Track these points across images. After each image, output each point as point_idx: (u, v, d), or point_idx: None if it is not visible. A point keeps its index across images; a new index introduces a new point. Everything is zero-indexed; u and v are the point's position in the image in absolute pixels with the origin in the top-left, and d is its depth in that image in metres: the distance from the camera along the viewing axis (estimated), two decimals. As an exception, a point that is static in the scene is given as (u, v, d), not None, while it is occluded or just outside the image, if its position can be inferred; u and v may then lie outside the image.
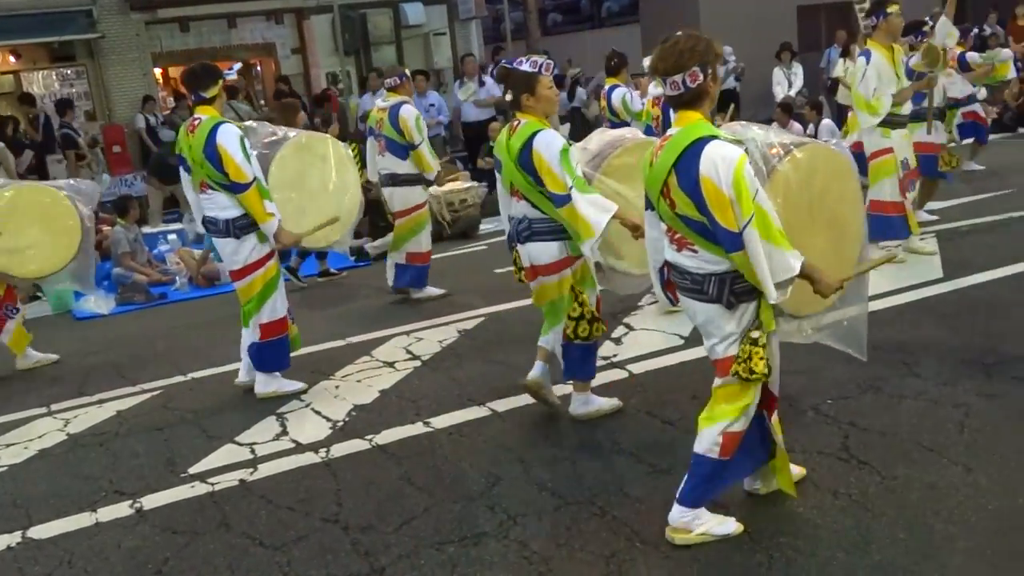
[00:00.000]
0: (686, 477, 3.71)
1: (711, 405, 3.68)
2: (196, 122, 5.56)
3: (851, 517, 3.74)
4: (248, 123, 6.25)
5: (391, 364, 6.29)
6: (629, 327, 6.51)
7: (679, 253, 3.58)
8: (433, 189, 9.24)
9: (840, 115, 13.32)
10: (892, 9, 7.01)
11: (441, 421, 5.17)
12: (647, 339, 6.19)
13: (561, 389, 5.25)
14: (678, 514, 3.67)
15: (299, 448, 5.02)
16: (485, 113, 13.22)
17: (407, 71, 8.06)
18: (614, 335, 6.35)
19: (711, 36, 3.56)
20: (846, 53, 14.15)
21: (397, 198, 7.76)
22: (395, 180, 7.70)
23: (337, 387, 5.96)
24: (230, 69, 7.02)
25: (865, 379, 5.09)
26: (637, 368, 5.65)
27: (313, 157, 6.09)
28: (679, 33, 3.53)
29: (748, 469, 3.88)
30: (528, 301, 7.43)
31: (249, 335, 5.86)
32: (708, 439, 3.64)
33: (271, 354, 5.85)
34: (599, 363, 5.74)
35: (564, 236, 4.68)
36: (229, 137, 5.41)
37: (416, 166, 7.61)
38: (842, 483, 4.00)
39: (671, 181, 3.43)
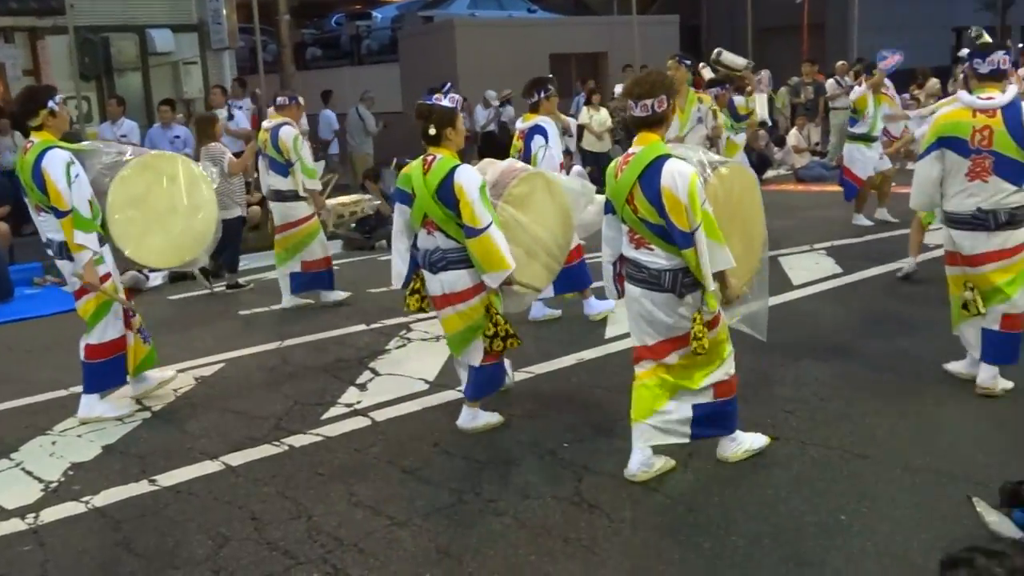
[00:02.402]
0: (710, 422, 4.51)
1: (681, 375, 4.42)
2: (29, 145, 5.60)
3: (579, 563, 3.80)
4: (87, 144, 6.24)
5: (117, 416, 5.85)
6: (375, 372, 6.41)
7: (637, 251, 4.31)
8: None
9: (585, 161, 13.90)
10: (669, 63, 8.59)
11: (169, 478, 4.85)
12: (392, 385, 6.11)
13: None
14: (727, 443, 4.59)
15: (3, 514, 4.54)
16: (235, 146, 12.72)
17: (299, 96, 8.64)
18: (359, 381, 6.23)
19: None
20: (589, 101, 14.83)
21: (280, 212, 8.36)
22: (279, 196, 8.33)
23: (54, 443, 5.47)
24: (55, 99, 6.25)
25: (600, 422, 5.26)
26: (380, 415, 5.55)
27: (159, 176, 6.10)
28: (648, 68, 4.47)
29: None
30: (272, 346, 7.24)
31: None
32: (705, 395, 4.47)
33: (100, 374, 5.83)
34: (342, 411, 5.68)
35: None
36: (54, 162, 5.45)
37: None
38: (573, 528, 4.08)
39: (635, 191, 4.17)
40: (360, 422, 5.50)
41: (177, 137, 12.34)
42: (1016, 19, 28.14)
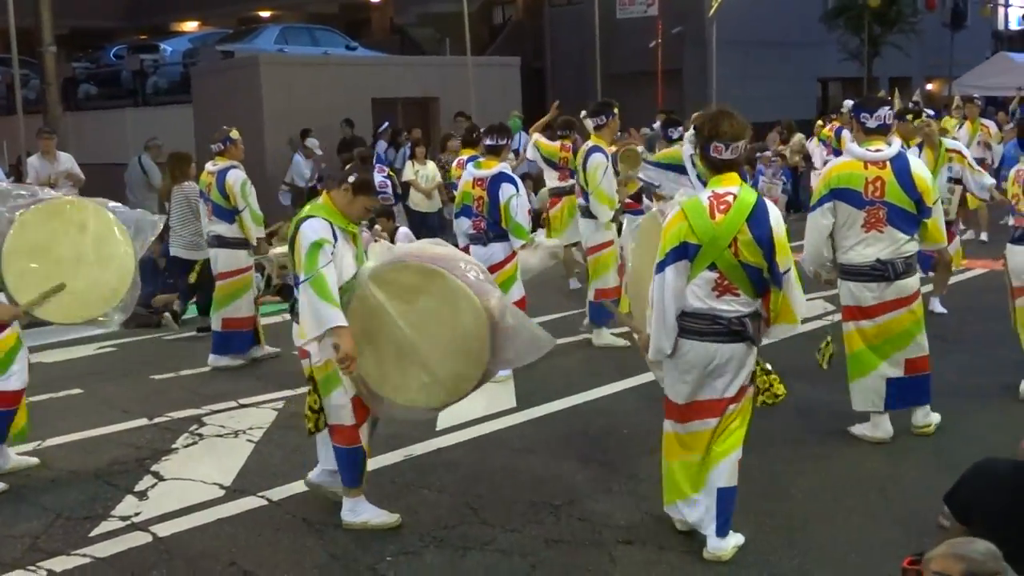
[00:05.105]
0: (716, 514, 4.76)
1: (726, 435, 4.80)
2: None
3: None
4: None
5: None
6: (158, 477, 6.23)
7: (719, 299, 4.69)
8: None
9: (411, 222, 14.01)
10: (617, 110, 9.02)
11: None
12: (180, 491, 5.96)
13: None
14: (718, 544, 4.78)
15: None
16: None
17: (232, 134, 9.03)
18: (138, 488, 6.04)
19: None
20: (414, 154, 14.99)
21: (222, 260, 9.05)
22: (222, 242, 9.02)
23: None
24: None
25: (429, 528, 5.28)
26: (163, 529, 5.40)
27: (67, 224, 6.27)
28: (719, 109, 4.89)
29: None
30: (28, 447, 6.91)
31: None
32: (728, 470, 4.80)
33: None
34: (117, 525, 5.51)
35: None
36: None
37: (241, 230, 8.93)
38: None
39: (742, 233, 4.59)
40: (139, 538, 5.34)
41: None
42: (882, 70, 30.53)
